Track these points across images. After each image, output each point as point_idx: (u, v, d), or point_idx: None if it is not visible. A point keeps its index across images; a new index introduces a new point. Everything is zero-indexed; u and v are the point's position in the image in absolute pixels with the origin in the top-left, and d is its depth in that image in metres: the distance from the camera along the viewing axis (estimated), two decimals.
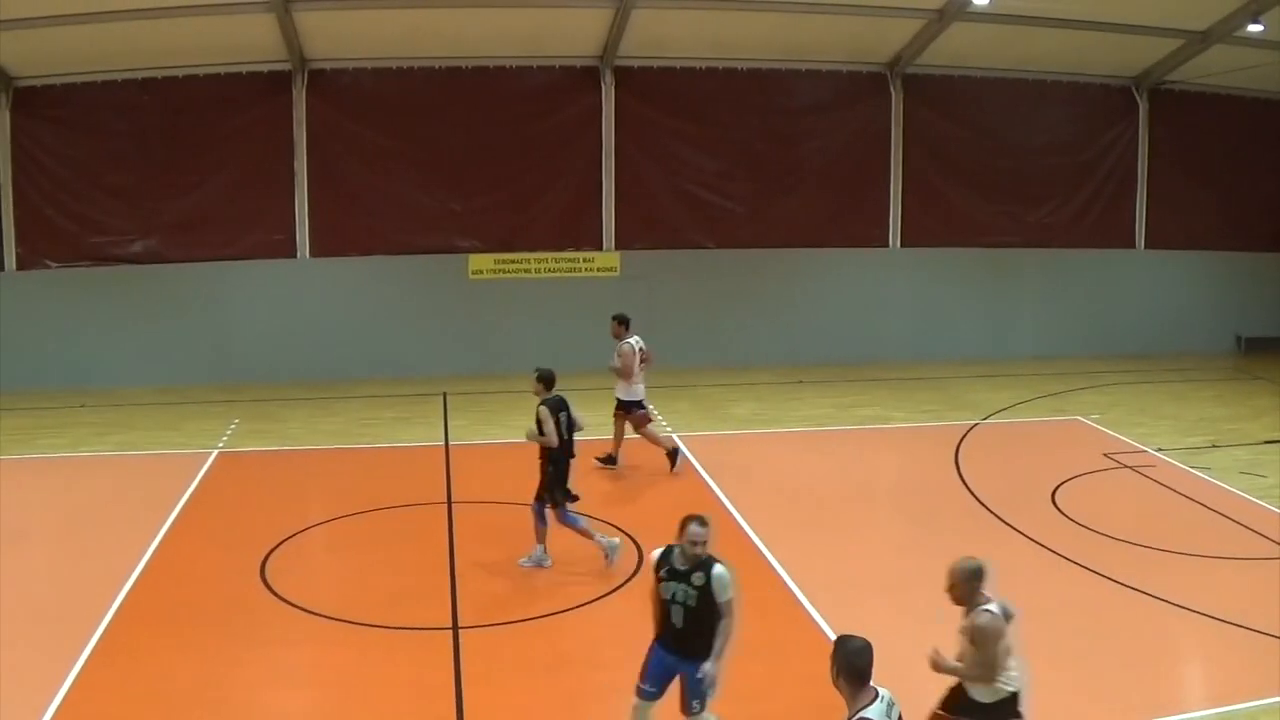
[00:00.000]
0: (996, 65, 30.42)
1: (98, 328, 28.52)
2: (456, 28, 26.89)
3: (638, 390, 20.44)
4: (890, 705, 7.81)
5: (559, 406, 15.97)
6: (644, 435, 20.48)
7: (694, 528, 10.17)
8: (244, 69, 28.05)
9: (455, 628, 13.80)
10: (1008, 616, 9.23)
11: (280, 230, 28.71)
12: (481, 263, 29.11)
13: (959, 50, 29.14)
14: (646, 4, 26.10)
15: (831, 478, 20.64)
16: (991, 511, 18.10)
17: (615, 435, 20.61)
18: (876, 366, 29.89)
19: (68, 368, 28.34)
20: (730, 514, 17.86)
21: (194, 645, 13.55)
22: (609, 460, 20.41)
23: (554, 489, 15.76)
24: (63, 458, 22.53)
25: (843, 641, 7.99)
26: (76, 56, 26.95)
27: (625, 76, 29.38)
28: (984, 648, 9.05)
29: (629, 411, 20.41)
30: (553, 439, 15.64)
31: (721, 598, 10.05)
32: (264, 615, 14.47)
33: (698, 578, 10.09)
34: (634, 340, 20.45)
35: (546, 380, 16.27)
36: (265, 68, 28.04)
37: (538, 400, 16.09)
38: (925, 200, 31.16)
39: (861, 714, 7.65)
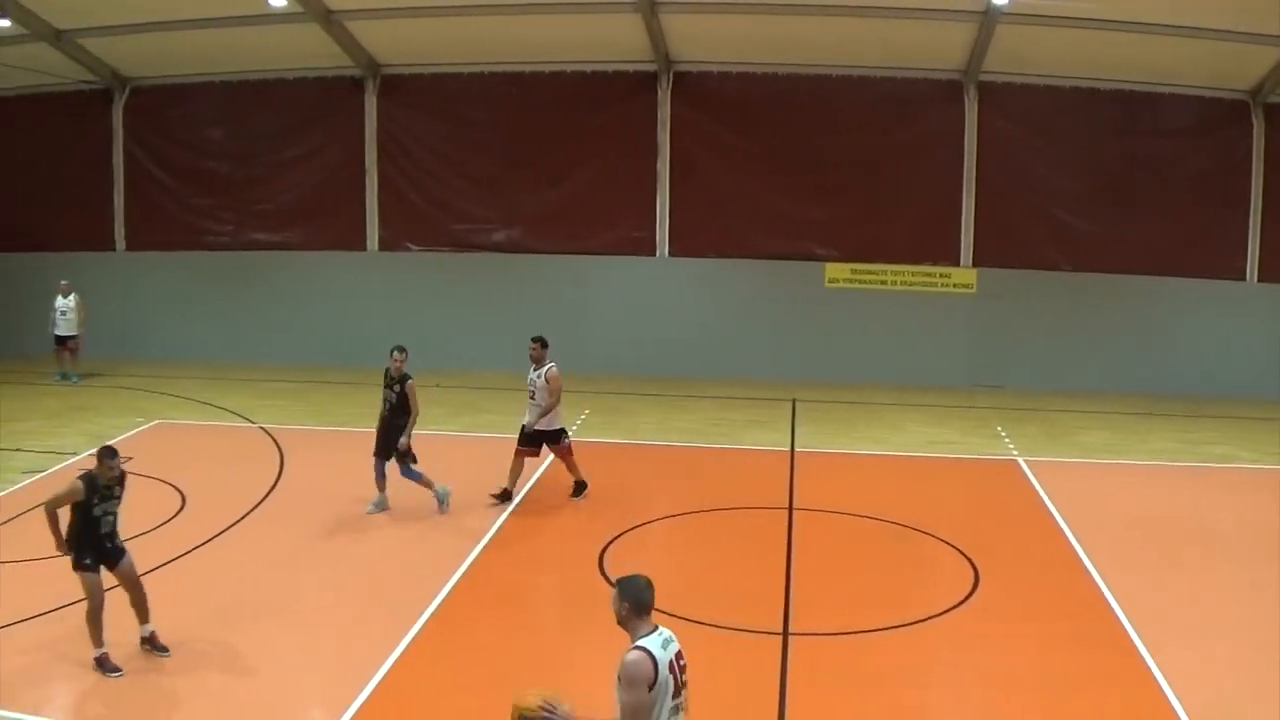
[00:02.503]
0: None
1: (449, 311, 30.37)
2: (822, 35, 27.02)
3: (559, 418, 19.44)
4: (668, 640, 8.53)
5: None
6: (570, 465, 19.53)
7: None
8: (610, 68, 29.06)
9: (785, 633, 13.93)
10: None
11: (640, 228, 29.59)
12: (838, 271, 29.17)
13: None
14: (1011, 20, 25.65)
15: (1174, 515, 19.88)
16: None
17: (515, 470, 19.38)
18: (1229, 403, 28.44)
19: (420, 347, 29.76)
20: (1069, 542, 17.46)
21: (526, 625, 14.34)
22: (505, 496, 19.18)
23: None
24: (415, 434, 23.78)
25: (627, 581, 8.71)
26: (444, 47, 28.63)
27: (988, 92, 28.94)
28: None
29: (556, 442, 19.36)
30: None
31: None
32: (598, 603, 15.00)
33: None
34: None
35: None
36: (631, 67, 28.94)
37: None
38: None
39: (640, 643, 8.41)
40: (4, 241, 33.47)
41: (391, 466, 18.49)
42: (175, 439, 24.35)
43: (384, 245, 30.78)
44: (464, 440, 23.58)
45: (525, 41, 27.88)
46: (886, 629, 14.21)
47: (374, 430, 18.82)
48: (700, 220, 29.47)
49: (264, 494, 19.67)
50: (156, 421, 25.52)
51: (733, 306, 29.51)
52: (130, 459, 20.12)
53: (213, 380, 29.12)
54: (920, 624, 14.31)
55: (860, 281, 29.03)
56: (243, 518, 18.37)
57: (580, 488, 19.51)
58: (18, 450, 22.62)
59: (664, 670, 8.32)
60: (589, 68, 29.02)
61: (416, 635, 13.87)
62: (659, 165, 29.36)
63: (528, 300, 29.77)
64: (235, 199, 32.03)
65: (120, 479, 13.68)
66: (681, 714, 8.50)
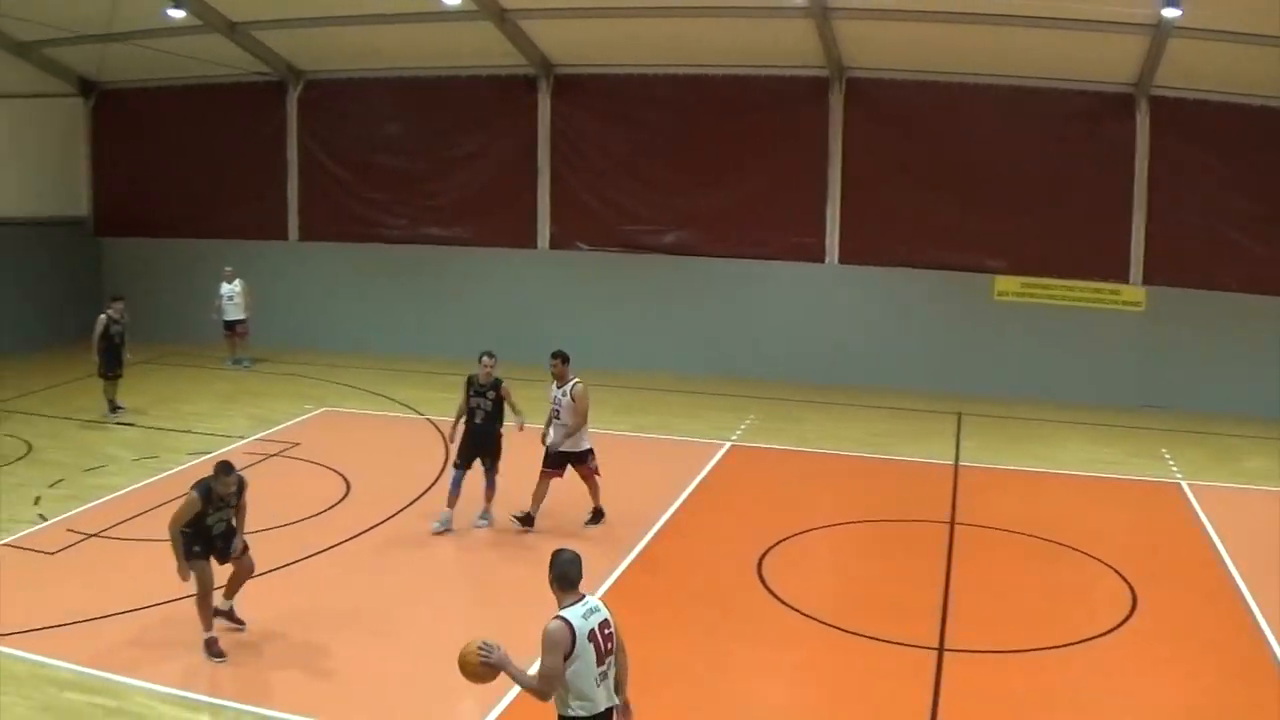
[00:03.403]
0: None
1: (616, 311, 31.03)
2: (993, 44, 26.97)
3: (586, 437, 18.81)
4: (591, 610, 9.47)
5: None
6: (592, 488, 18.92)
7: None
8: (783, 73, 29.27)
9: (940, 649, 14.23)
10: None
11: (810, 233, 29.82)
12: (1008, 284, 29.11)
13: None
14: (1183, 34, 25.26)
15: None
16: None
17: (539, 494, 18.69)
18: None
19: (582, 346, 30.36)
20: (1228, 571, 17.36)
21: (680, 627, 14.82)
22: (527, 520, 18.64)
23: None
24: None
25: (557, 554, 9.75)
26: (617, 48, 29.29)
27: (1160, 106, 28.47)
28: None
29: (583, 462, 18.73)
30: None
31: None
32: (753, 608, 15.51)
33: None
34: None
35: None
36: (804, 72, 29.11)
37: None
38: None
39: (561, 612, 9.34)
40: (180, 228, 34.99)
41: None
42: (342, 426, 25.35)
43: (554, 243, 31.57)
44: (627, 441, 24.13)
45: (698, 44, 28.35)
46: (1041, 649, 14.39)
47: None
48: (870, 227, 29.62)
49: (427, 486, 20.58)
50: (324, 409, 26.53)
51: (900, 316, 29.63)
52: (297, 444, 21.03)
53: (381, 371, 30.11)
54: (1075, 646, 14.48)
55: (1029, 295, 28.94)
56: (405, 508, 19.31)
57: (598, 515, 18.98)
58: (187, 431, 23.72)
59: (582, 638, 9.25)
60: (761, 72, 29.31)
61: None
62: (829, 170, 29.55)
63: (695, 303, 30.37)
64: (408, 193, 33.05)
65: (239, 489, 14.55)
66: (609, 676, 9.51)
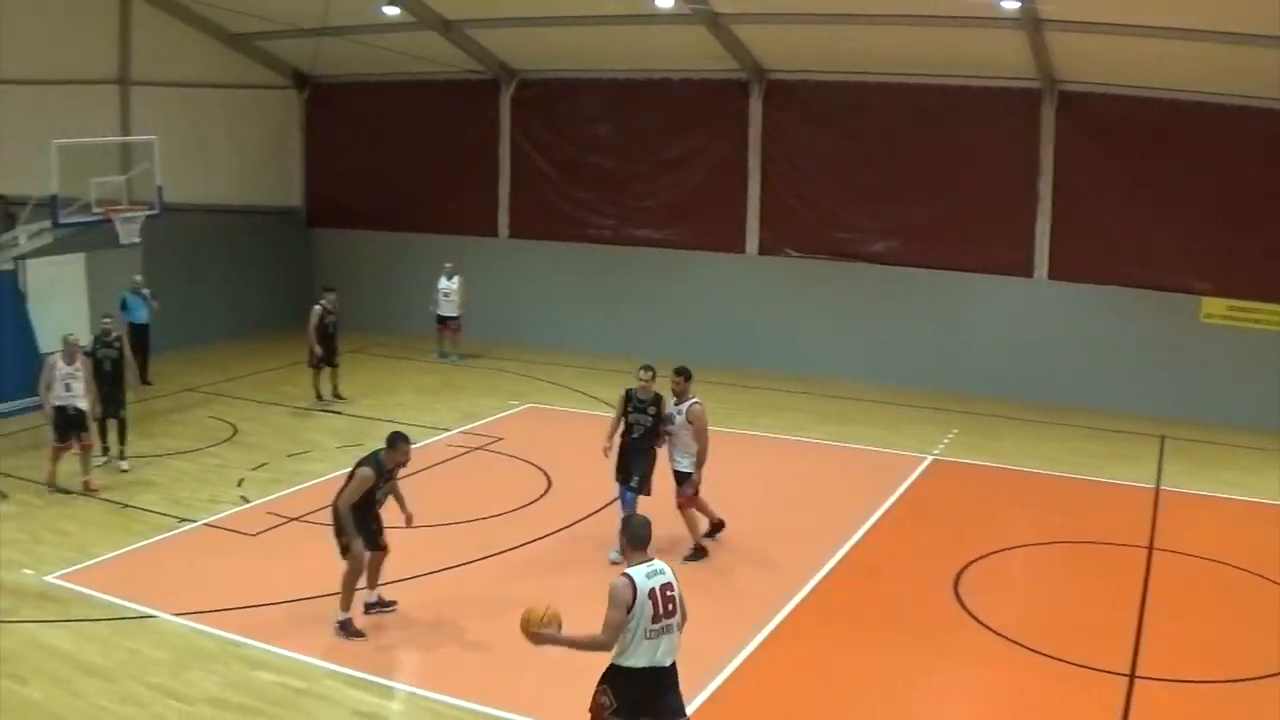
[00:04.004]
0: None
1: (819, 318, 31.17)
2: (1204, 62, 26.18)
3: (688, 460, 18.02)
4: (656, 572, 10.46)
5: None
6: (689, 519, 18.17)
7: None
8: (994, 84, 29.08)
9: (1131, 675, 14.23)
10: None
11: (1018, 248, 29.49)
12: (1215, 307, 28.47)
13: None
14: None
15: None
16: None
17: (704, 509, 18.47)
18: None
19: (785, 353, 30.76)
20: None
21: (871, 643, 15.12)
22: (718, 527, 18.62)
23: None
24: (779, 439, 24.83)
25: (629, 518, 11.02)
26: (828, 54, 29.41)
27: None
28: None
29: (677, 483, 18.13)
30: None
31: None
32: (947, 627, 15.65)
33: None
34: None
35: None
36: (1015, 84, 28.86)
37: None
38: None
39: (628, 570, 10.43)
40: (391, 221, 36.03)
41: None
42: (545, 423, 25.94)
43: (763, 249, 31.88)
44: (829, 450, 24.45)
45: (910, 52, 28.41)
46: (1233, 681, 14.34)
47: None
48: (1081, 243, 29.24)
49: None
50: (529, 405, 27.05)
51: (1104, 335, 29.17)
52: (500, 439, 21.49)
53: (586, 369, 30.67)
54: (1269, 680, 14.37)
55: (1237, 320, 28.34)
56: (603, 507, 19.70)
57: (718, 527, 18.56)
58: (391, 421, 24.37)
59: (643, 595, 10.31)
60: (973, 82, 29.23)
61: (760, 643, 14.74)
62: (1040, 184, 29.34)
63: (899, 313, 30.44)
64: (617, 194, 33.69)
65: (404, 462, 15.50)
66: (663, 636, 10.47)
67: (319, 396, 27.53)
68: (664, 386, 17.91)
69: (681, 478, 17.94)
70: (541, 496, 20.57)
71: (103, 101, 32.31)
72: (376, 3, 28.49)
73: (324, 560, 15.63)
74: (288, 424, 25.98)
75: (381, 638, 15.18)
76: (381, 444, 15.41)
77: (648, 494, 17.83)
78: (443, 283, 32.09)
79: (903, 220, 30.35)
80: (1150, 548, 19.02)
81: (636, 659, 10.40)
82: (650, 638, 10.39)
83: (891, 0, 25.48)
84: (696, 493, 17.96)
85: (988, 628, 15.49)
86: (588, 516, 19.57)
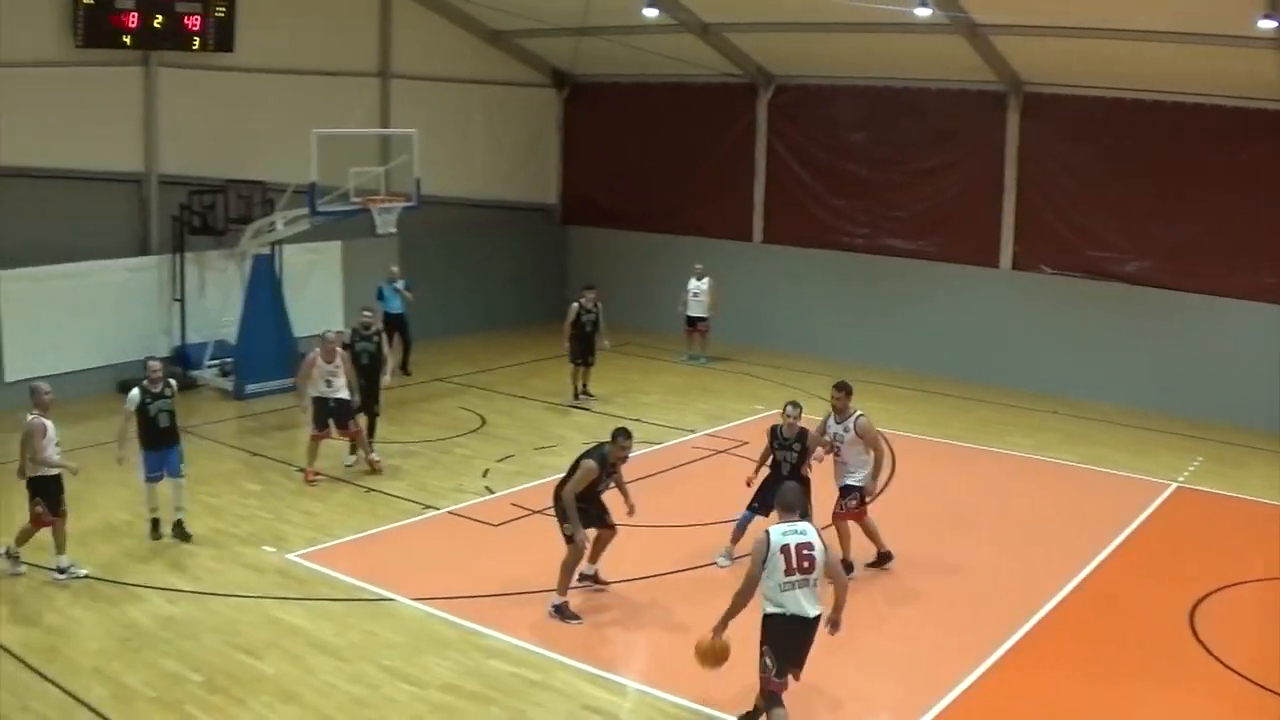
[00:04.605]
0: None
1: (1076, 338, 30.65)
2: None
3: (855, 475, 17.91)
4: (796, 531, 12.07)
5: None
6: (842, 534, 17.80)
7: None
8: (1252, 105, 28.17)
9: None
10: None
11: (1276, 274, 28.69)
12: None
13: None
14: None
15: None
16: None
17: (869, 531, 18.13)
18: None
19: (1039, 372, 30.35)
20: None
21: (1100, 672, 14.98)
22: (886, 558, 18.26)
23: None
24: (1023, 457, 24.67)
25: (784, 488, 13.03)
26: (1088, 69, 28.94)
27: None
28: None
29: (839, 496, 17.92)
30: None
31: None
32: (1181, 659, 15.48)
33: None
34: None
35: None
36: (1270, 105, 27.96)
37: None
38: None
39: (769, 528, 12.21)
40: (644, 222, 36.66)
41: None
42: None
43: (1016, 264, 31.61)
44: (1071, 470, 24.22)
45: (1166, 70, 27.92)
46: None
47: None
48: None
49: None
50: (774, 410, 27.06)
51: None
52: (745, 444, 21.73)
53: (834, 378, 30.14)
54: None
55: None
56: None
57: (849, 567, 17.54)
58: (638, 420, 24.83)
59: (775, 549, 11.93)
60: (1227, 102, 28.44)
61: (993, 664, 14.75)
62: None
63: (1150, 334, 29.74)
64: (872, 203, 33.77)
65: (625, 457, 16.41)
66: (799, 589, 11.98)
67: (576, 394, 28.00)
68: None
69: (847, 491, 17.85)
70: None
71: (363, 93, 33.64)
72: (637, 4, 28.85)
73: (563, 554, 15.96)
74: (536, 417, 26.60)
75: (616, 635, 15.62)
76: (635, 446, 15.81)
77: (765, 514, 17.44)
78: (692, 284, 32.51)
79: (1156, 240, 29.72)
80: None
81: (778, 607, 12.02)
82: (785, 590, 11.99)
83: (1151, 16, 25.12)
84: (862, 507, 17.94)
85: (1221, 662, 15.30)
86: (824, 528, 19.60)
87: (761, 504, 17.68)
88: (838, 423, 17.92)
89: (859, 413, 17.88)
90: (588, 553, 16.31)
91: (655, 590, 17.03)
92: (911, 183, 32.98)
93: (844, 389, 18.09)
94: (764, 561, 11.88)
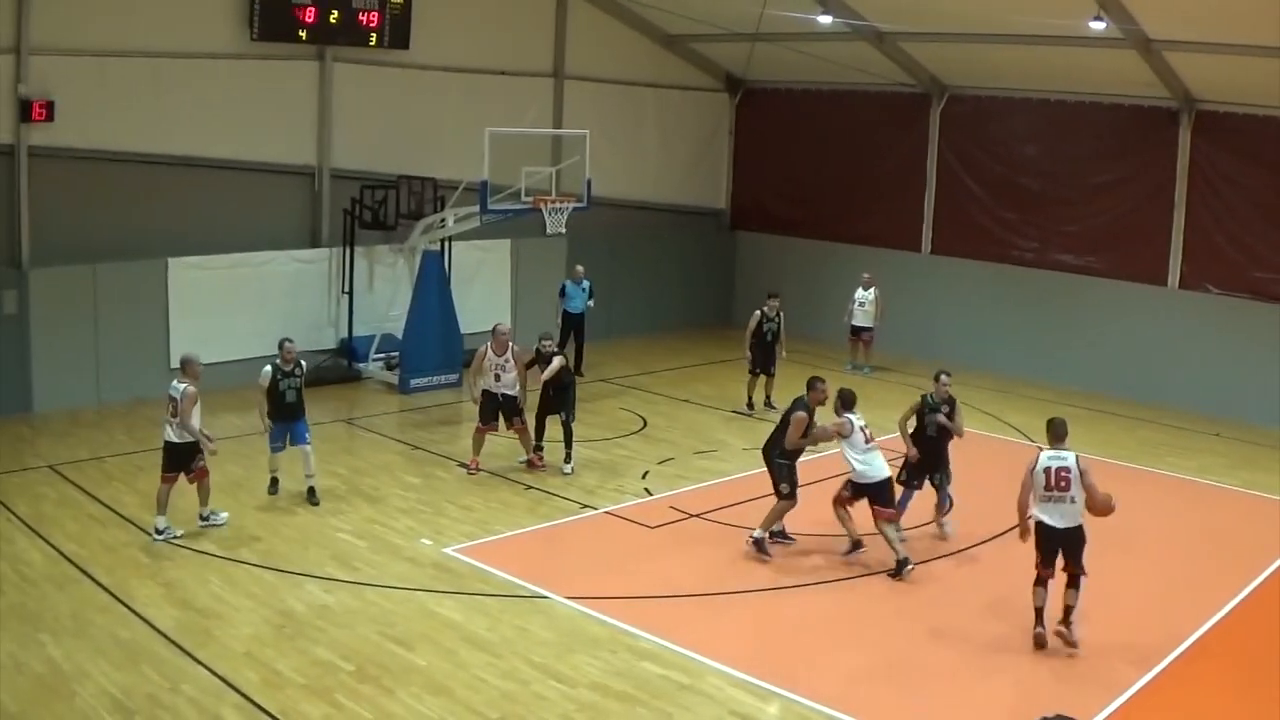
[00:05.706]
0: None
1: (1241, 360, 29.96)
2: None
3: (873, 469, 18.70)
4: (1057, 457, 15.35)
5: None
6: (885, 533, 18.30)
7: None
8: None
9: None
10: None
11: None
12: None
13: None
14: None
15: None
16: None
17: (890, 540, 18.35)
18: None
19: (1202, 392, 29.80)
20: None
21: (1251, 697, 14.66)
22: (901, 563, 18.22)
23: None
24: (1186, 479, 24.28)
25: (1052, 420, 15.83)
26: (1258, 88, 28.38)
27: None
28: None
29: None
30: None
31: None
32: None
33: None
34: None
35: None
36: None
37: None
38: None
39: (1042, 452, 15.54)
40: (813, 229, 36.61)
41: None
42: (954, 445, 25.56)
43: (1183, 283, 31.13)
44: (1234, 495, 23.81)
45: None
46: None
47: None
48: None
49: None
50: None
51: None
52: (901, 455, 21.61)
53: (999, 393, 30.50)
54: None
55: None
56: (1003, 532, 19.35)
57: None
58: None
59: (1039, 469, 15.39)
60: None
61: (1146, 684, 14.74)
62: None
63: None
64: (1043, 217, 33.59)
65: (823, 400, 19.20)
66: (1053, 504, 15.31)
67: (749, 405, 27.91)
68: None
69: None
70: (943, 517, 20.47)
71: (537, 93, 34.04)
72: (811, 11, 28.78)
73: (720, 559, 16.15)
74: (698, 421, 26.73)
75: (771, 640, 15.57)
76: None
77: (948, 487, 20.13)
78: (859, 293, 32.52)
79: None
80: None
81: (1041, 516, 15.41)
82: (1042, 501, 15.37)
83: None
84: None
85: None
86: (987, 541, 19.52)
87: (919, 480, 19.95)
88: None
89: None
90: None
91: (815, 598, 17.10)
92: (1082, 198, 32.72)
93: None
94: (1032, 473, 15.44)
